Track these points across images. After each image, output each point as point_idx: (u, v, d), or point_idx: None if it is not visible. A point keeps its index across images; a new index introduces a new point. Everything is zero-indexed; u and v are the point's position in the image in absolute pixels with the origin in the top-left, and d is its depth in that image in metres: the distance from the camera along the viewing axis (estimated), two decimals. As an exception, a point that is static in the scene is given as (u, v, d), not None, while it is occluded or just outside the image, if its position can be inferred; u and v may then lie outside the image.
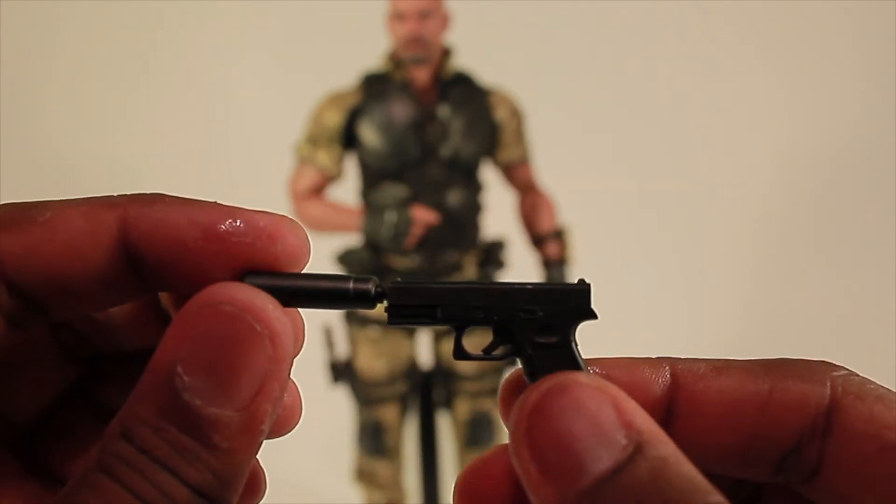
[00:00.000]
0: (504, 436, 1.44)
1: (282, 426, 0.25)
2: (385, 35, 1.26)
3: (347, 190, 1.34)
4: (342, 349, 1.38)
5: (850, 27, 2.35)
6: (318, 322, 1.42)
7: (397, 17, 1.23)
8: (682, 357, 0.24)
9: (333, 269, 1.38)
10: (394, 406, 1.36)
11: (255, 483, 0.25)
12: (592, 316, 0.27)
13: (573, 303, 0.26)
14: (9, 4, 2.34)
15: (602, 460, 0.19)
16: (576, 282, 0.27)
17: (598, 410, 0.20)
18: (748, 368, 0.22)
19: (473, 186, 1.31)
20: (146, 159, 2.43)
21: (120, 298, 0.23)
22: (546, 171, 1.44)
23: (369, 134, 1.26)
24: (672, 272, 2.29)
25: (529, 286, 0.26)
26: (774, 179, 2.40)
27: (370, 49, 1.37)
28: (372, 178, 1.29)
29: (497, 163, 1.36)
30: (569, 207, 1.45)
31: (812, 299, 2.29)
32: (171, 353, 0.20)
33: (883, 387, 0.22)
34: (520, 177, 1.38)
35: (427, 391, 1.40)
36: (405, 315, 0.26)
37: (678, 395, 0.23)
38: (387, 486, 1.38)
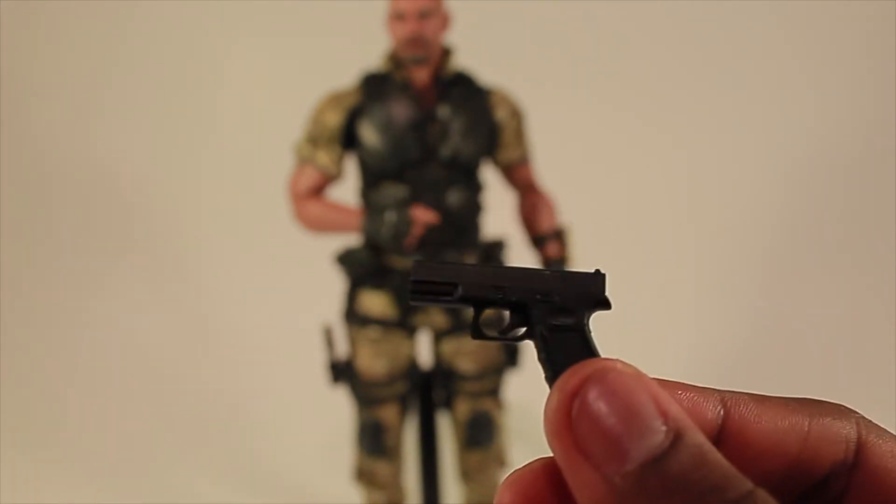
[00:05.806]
0: (504, 436, 1.43)
1: None
2: (385, 35, 1.26)
3: (347, 190, 1.34)
4: (342, 349, 1.38)
5: (852, 29, 2.35)
6: (318, 322, 1.42)
7: (397, 17, 1.22)
8: (725, 389, 0.25)
9: (333, 269, 1.38)
10: (394, 406, 1.36)
11: None
12: (606, 305, 0.28)
13: (588, 290, 0.28)
14: (8, 5, 2.34)
15: (644, 446, 0.19)
16: (592, 271, 0.29)
17: (638, 398, 0.20)
18: (786, 402, 0.24)
19: (473, 186, 1.31)
20: (146, 160, 2.43)
21: None
22: (546, 171, 1.44)
23: (369, 134, 1.26)
24: (672, 272, 2.29)
25: (547, 272, 0.28)
26: (777, 179, 2.40)
27: (370, 49, 1.37)
28: (372, 179, 1.29)
29: (497, 163, 1.36)
30: (569, 207, 1.45)
31: (814, 301, 2.29)
32: None
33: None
34: (520, 177, 1.38)
35: (427, 391, 1.40)
36: (426, 292, 0.28)
37: (727, 424, 0.24)
38: (387, 486, 1.38)
